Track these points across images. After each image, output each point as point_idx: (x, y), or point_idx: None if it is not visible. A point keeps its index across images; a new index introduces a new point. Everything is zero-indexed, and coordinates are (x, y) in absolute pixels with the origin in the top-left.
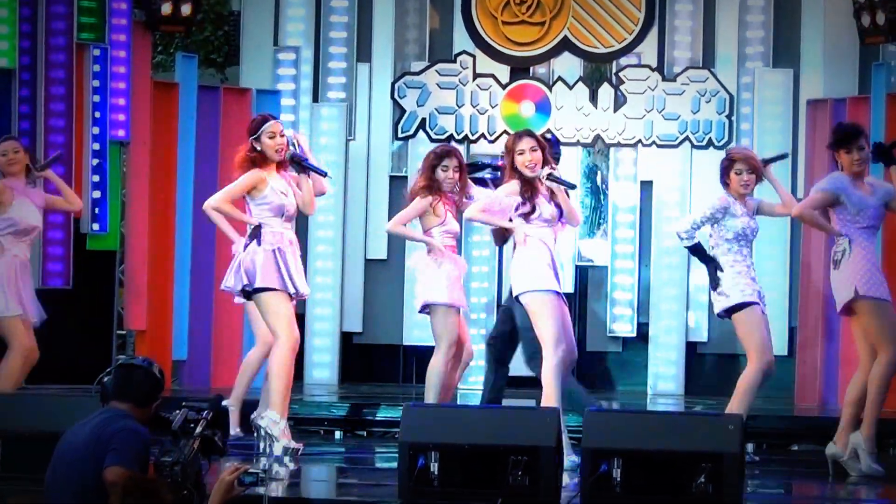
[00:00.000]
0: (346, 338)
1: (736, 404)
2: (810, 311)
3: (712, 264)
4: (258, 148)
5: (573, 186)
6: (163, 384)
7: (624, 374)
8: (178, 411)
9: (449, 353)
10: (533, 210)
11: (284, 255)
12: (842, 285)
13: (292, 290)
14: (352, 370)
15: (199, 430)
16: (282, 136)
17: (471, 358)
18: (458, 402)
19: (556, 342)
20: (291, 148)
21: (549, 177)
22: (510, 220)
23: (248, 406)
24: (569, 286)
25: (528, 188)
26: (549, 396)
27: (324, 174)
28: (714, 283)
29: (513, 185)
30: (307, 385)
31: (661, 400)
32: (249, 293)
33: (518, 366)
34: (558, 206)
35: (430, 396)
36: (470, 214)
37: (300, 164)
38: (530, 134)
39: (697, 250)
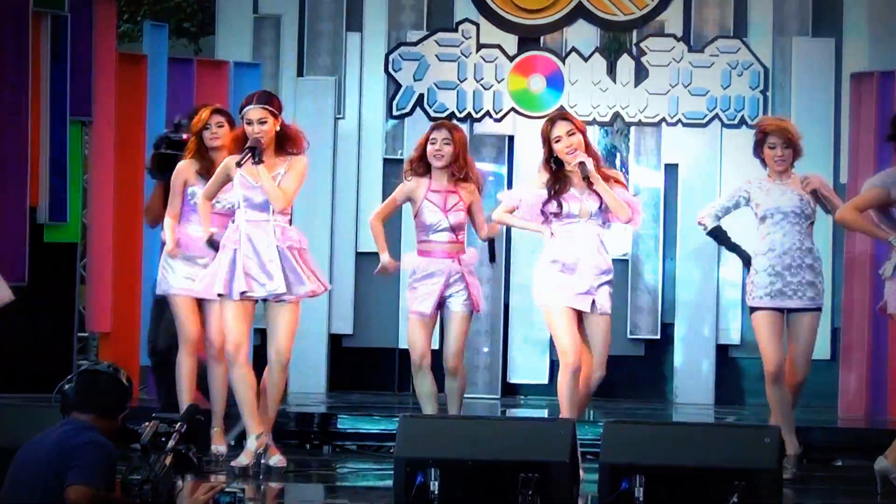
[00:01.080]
0: (334, 341)
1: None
2: (855, 309)
3: (738, 251)
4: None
5: (587, 179)
6: (130, 392)
7: (646, 381)
8: (147, 423)
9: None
10: (560, 209)
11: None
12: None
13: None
14: (341, 377)
15: (171, 444)
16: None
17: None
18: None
19: (566, 354)
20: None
21: (579, 165)
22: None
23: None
24: None
25: (557, 182)
26: (562, 408)
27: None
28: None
29: (542, 176)
30: (291, 394)
31: (689, 410)
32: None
33: (528, 373)
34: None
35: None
36: (497, 217)
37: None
38: (564, 117)
39: (718, 236)
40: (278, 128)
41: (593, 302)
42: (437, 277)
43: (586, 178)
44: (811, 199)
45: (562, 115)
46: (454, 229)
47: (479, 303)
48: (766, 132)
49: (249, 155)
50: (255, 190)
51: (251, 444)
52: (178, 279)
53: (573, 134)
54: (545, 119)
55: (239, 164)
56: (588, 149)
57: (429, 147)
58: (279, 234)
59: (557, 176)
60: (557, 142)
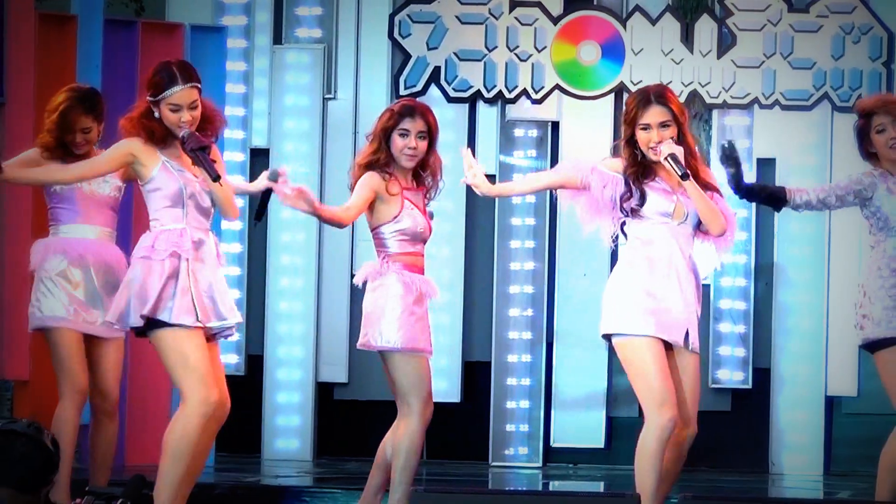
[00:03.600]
0: (323, 391)
1: (884, 488)
2: None
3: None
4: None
5: (686, 176)
6: (57, 460)
7: (734, 444)
8: (79, 500)
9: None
10: (643, 200)
11: None
12: None
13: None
14: (332, 439)
15: None
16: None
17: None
18: (491, 486)
19: (656, 403)
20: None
21: (671, 157)
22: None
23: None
24: None
25: (638, 169)
26: (639, 476)
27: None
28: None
29: (614, 163)
30: (267, 462)
31: (789, 481)
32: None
33: (580, 435)
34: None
35: None
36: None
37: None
38: (662, 98)
39: (752, 192)
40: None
41: (686, 334)
42: (426, 302)
43: (684, 176)
44: None
45: (660, 93)
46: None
47: None
48: (869, 112)
49: (202, 157)
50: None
51: None
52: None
53: (667, 126)
54: (637, 91)
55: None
56: (684, 140)
57: (398, 140)
58: None
59: (641, 163)
60: (644, 129)
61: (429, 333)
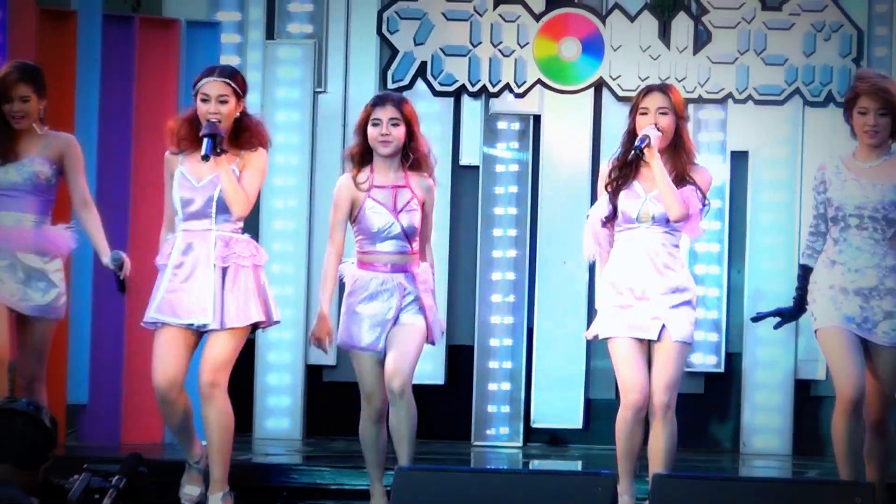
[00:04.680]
0: (312, 374)
1: (844, 465)
2: None
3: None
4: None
5: (638, 150)
6: (55, 438)
7: (707, 425)
8: (77, 476)
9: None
10: (614, 213)
11: None
12: None
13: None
14: (321, 419)
15: (107, 502)
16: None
17: None
18: (473, 464)
19: (624, 389)
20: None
21: (642, 137)
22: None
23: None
24: None
25: (619, 176)
26: (616, 447)
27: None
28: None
29: (602, 174)
30: (258, 441)
31: (759, 461)
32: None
33: (559, 416)
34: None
35: None
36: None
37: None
38: (665, 89)
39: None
40: (238, 112)
41: (663, 326)
42: (384, 299)
43: (637, 152)
44: None
45: (664, 85)
46: (407, 235)
47: (434, 332)
48: (858, 92)
49: (211, 144)
50: (198, 191)
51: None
52: None
53: (664, 113)
54: (643, 86)
55: (205, 158)
56: (681, 135)
57: (371, 130)
58: (221, 247)
59: (625, 166)
60: (643, 114)
61: (373, 331)
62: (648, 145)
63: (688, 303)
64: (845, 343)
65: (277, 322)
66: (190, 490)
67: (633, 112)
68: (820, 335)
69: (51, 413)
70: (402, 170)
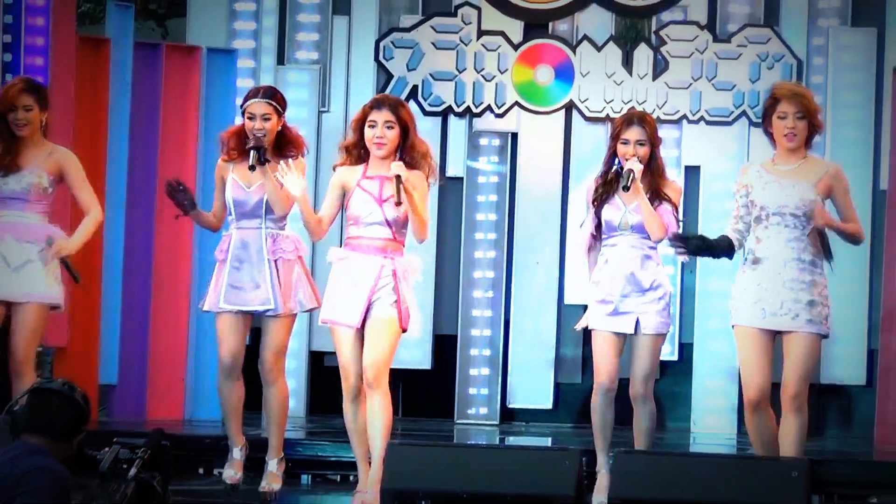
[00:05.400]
0: (315, 358)
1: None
2: (895, 327)
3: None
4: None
5: (626, 188)
6: (88, 414)
7: (662, 406)
8: (107, 448)
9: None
10: (599, 223)
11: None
12: None
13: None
14: (323, 399)
15: (133, 472)
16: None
17: None
18: (456, 440)
19: (596, 373)
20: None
21: (629, 172)
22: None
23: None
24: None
25: (604, 192)
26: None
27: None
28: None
29: (590, 190)
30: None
31: (708, 440)
32: None
33: (532, 397)
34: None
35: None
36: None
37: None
38: (643, 121)
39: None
40: (279, 127)
41: (638, 321)
42: (363, 280)
43: (625, 188)
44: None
45: (642, 118)
46: (391, 224)
47: (407, 319)
48: (777, 98)
49: (257, 156)
50: (248, 195)
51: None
52: None
53: (642, 144)
54: (626, 113)
55: (252, 168)
56: (655, 159)
57: (367, 131)
58: (270, 243)
59: (608, 182)
60: (624, 143)
61: (350, 308)
62: (633, 179)
63: (661, 298)
64: (756, 345)
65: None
66: (232, 473)
67: (615, 138)
68: (736, 332)
69: (83, 392)
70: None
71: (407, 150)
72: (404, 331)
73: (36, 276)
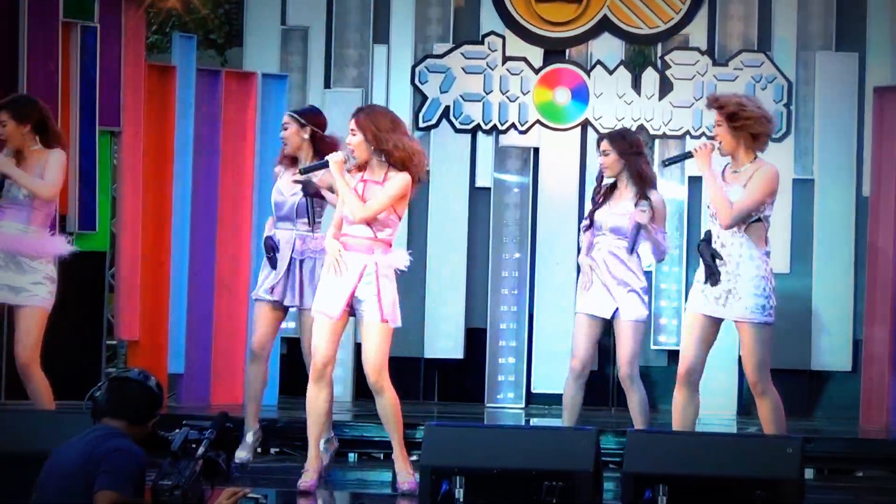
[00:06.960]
0: (360, 350)
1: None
2: (877, 319)
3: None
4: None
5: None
6: (161, 399)
7: (670, 391)
8: (178, 430)
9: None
10: (591, 224)
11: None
12: None
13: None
14: (366, 386)
15: (201, 451)
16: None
17: None
18: (487, 422)
19: (571, 356)
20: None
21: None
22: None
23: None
24: None
25: (599, 199)
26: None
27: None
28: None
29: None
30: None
31: (710, 420)
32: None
33: (553, 383)
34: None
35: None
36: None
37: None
38: (601, 139)
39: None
40: (306, 136)
41: (616, 309)
42: (346, 274)
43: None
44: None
45: (600, 136)
46: (370, 224)
47: (392, 313)
48: (712, 107)
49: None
50: (285, 200)
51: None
52: None
53: (607, 154)
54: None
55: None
56: (633, 168)
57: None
58: (299, 244)
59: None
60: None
61: (333, 298)
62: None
63: (635, 291)
64: (695, 331)
65: None
66: (243, 455)
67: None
68: (684, 316)
69: (157, 379)
70: (384, 170)
71: (386, 153)
72: (386, 322)
73: (31, 279)
